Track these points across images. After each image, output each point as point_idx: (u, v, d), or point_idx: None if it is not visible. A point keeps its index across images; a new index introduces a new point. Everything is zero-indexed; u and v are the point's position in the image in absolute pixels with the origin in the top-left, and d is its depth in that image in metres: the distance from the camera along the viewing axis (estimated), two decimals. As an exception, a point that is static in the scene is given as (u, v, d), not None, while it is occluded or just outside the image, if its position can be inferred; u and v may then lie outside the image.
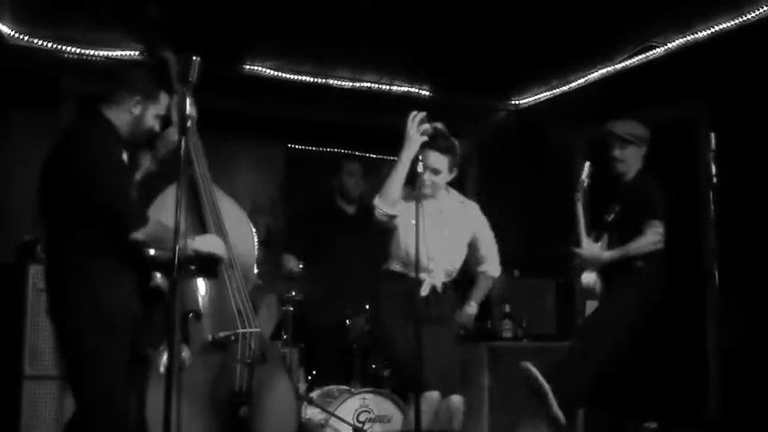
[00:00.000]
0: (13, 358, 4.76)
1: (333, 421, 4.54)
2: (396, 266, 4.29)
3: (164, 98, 3.62)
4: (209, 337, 3.70)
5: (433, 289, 4.25)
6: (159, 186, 3.82)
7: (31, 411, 4.71)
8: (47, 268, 3.48)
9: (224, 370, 3.70)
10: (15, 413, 4.70)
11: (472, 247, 4.41)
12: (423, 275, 4.11)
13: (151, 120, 3.58)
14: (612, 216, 4.72)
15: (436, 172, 4.15)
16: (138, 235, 3.34)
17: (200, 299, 3.79)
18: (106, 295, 3.33)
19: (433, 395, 4.07)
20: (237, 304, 3.80)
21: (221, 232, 3.84)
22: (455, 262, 4.35)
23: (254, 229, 4.10)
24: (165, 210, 3.62)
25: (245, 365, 3.71)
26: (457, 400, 4.22)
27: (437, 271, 4.27)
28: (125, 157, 3.52)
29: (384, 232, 4.26)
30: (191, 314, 3.70)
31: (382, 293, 4.31)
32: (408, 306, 4.00)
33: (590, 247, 4.70)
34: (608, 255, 4.62)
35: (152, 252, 3.46)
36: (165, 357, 3.45)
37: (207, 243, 3.72)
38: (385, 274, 4.34)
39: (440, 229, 4.21)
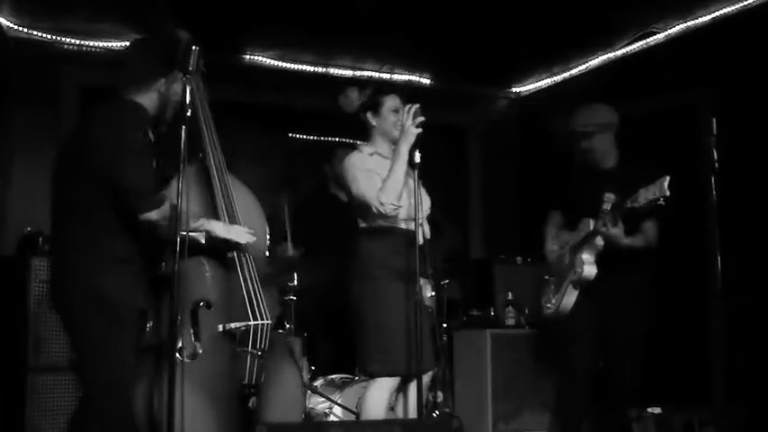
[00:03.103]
0: (16, 350, 4.77)
1: (336, 410, 4.56)
2: (380, 222, 4.03)
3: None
4: (220, 328, 3.61)
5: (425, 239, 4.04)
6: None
7: (35, 403, 4.72)
8: (51, 260, 3.50)
9: (234, 361, 3.63)
10: (20, 405, 4.71)
11: None
12: (412, 225, 3.99)
13: (176, 94, 3.51)
14: (610, 204, 4.41)
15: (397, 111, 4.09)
16: (152, 215, 3.30)
17: (211, 288, 3.68)
18: (106, 286, 3.31)
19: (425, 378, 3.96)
20: (250, 294, 3.70)
21: (234, 219, 3.75)
22: (428, 205, 4.20)
23: (265, 220, 4.04)
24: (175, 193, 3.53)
25: (254, 357, 3.63)
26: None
27: (425, 219, 4.09)
28: (151, 136, 3.49)
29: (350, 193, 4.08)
30: (201, 303, 3.61)
31: (366, 253, 4.05)
32: (401, 262, 3.91)
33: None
34: (628, 241, 4.37)
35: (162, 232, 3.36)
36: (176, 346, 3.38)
37: (224, 229, 3.63)
38: (367, 232, 4.09)
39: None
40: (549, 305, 4.70)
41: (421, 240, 3.94)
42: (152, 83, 3.49)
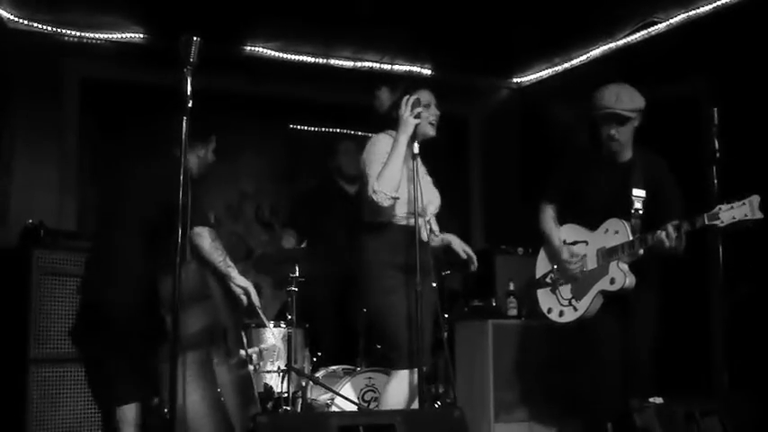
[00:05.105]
0: (18, 342, 4.79)
1: (338, 401, 4.57)
2: (379, 216, 4.00)
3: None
4: (243, 353, 4.14)
5: (431, 231, 4.07)
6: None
7: (37, 394, 4.74)
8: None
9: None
10: (22, 396, 4.73)
11: None
12: (420, 220, 3.94)
13: (211, 156, 4.15)
14: (641, 202, 4.21)
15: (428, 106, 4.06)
16: (198, 229, 3.78)
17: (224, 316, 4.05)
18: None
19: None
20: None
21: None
22: (439, 203, 4.16)
23: None
24: None
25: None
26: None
27: (431, 215, 4.10)
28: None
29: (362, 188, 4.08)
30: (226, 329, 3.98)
31: (367, 249, 4.05)
32: (406, 257, 3.90)
33: None
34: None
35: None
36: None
37: (246, 282, 4.02)
38: (368, 226, 4.07)
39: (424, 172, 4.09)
40: (560, 311, 4.41)
41: (424, 236, 3.93)
42: (192, 149, 3.98)
